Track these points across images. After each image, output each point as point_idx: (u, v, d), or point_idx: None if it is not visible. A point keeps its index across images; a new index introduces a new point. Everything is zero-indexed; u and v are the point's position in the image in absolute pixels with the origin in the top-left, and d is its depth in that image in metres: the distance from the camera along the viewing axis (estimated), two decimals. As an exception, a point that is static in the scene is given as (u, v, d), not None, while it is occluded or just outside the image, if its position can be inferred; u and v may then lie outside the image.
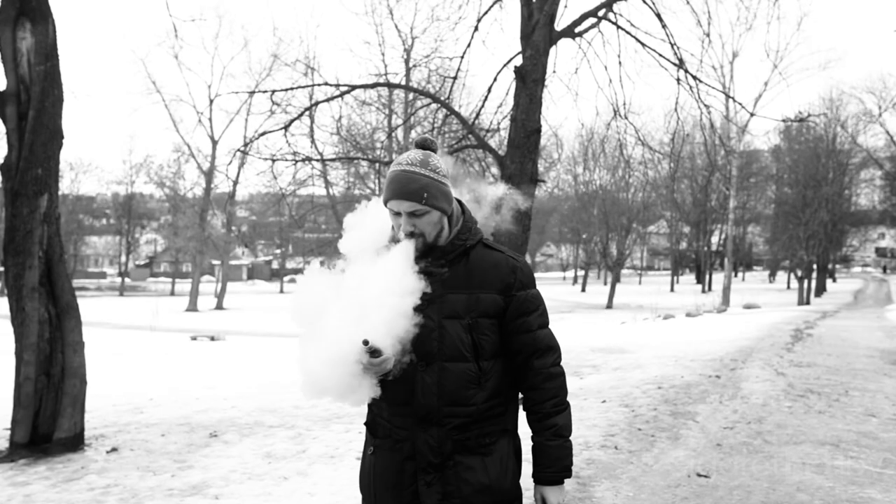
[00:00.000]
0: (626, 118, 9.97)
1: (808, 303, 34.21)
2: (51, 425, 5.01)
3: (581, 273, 52.35)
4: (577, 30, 8.95)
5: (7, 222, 5.03)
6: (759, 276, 66.48)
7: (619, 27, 9.03)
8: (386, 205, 1.92)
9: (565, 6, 8.95)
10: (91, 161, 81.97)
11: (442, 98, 10.00)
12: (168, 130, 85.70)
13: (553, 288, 52.27)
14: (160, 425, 6.02)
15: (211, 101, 41.05)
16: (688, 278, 63.84)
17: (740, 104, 10.25)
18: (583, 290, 53.36)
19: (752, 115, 10.78)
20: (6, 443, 5.06)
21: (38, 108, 5.03)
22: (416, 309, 1.83)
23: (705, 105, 9.55)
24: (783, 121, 12.55)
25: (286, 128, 9.44)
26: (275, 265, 72.51)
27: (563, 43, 9.01)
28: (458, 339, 1.89)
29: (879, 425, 5.99)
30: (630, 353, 11.13)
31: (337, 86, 9.76)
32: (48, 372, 5.02)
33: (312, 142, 10.44)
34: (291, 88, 10.59)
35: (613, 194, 42.33)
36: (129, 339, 20.09)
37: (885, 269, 70.98)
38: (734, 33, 33.23)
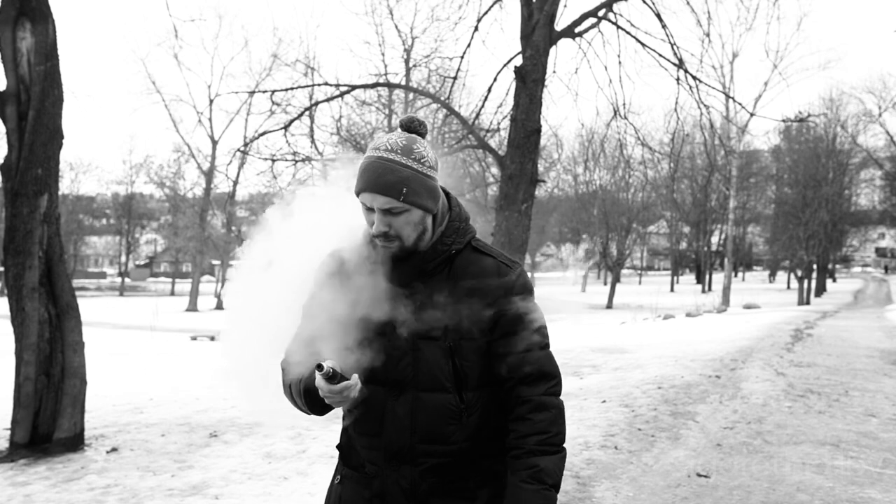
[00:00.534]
0: (626, 118, 10.00)
1: (808, 303, 34.18)
2: (51, 425, 5.01)
3: (581, 274, 52.34)
4: (577, 30, 8.98)
5: (7, 222, 5.03)
6: (759, 277, 66.40)
7: (618, 27, 9.05)
8: (358, 196, 1.55)
9: (565, 6, 8.97)
10: (91, 161, 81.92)
11: (442, 98, 10.02)
12: (168, 130, 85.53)
13: (553, 288, 52.27)
14: (160, 425, 6.02)
15: (211, 101, 41.06)
16: (688, 278, 63.77)
17: (740, 104, 10.29)
18: (583, 290, 53.36)
19: (751, 115, 10.81)
20: (6, 443, 5.06)
21: (38, 108, 5.03)
22: (383, 330, 1.55)
23: (705, 105, 9.58)
24: (783, 121, 12.58)
25: (286, 128, 9.47)
26: (275, 265, 72.33)
27: (563, 43, 9.03)
28: (436, 365, 1.54)
29: (879, 425, 6.00)
30: (630, 353, 11.12)
31: (337, 86, 9.79)
32: (48, 372, 5.02)
33: (312, 142, 10.47)
34: (291, 88, 10.65)
35: (613, 194, 42.30)
36: (129, 339, 20.07)
37: (886, 268, 70.89)
38: (734, 33, 33.15)
